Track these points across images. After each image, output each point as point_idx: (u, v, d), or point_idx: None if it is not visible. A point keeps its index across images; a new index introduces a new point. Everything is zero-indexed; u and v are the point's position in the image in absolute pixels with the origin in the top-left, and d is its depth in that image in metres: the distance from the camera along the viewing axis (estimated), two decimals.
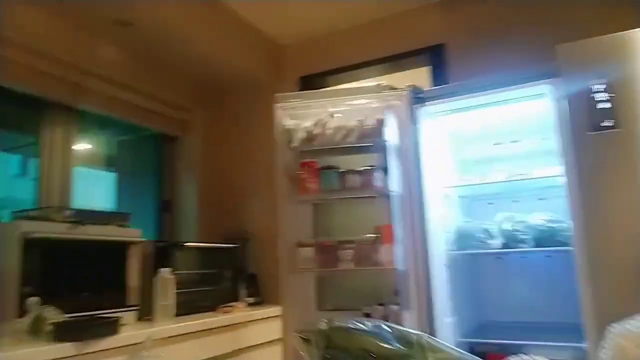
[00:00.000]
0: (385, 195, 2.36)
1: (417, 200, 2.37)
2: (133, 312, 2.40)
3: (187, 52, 3.18)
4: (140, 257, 2.54)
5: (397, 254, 2.29)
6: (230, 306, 2.87)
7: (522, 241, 2.38)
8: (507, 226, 2.44)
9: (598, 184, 1.92)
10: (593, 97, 1.94)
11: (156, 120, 3.49)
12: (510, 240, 2.41)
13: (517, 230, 2.40)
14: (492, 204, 2.82)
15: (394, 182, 2.35)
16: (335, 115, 2.48)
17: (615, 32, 1.93)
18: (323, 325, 0.77)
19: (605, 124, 1.92)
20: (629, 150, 1.87)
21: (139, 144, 3.80)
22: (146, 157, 3.85)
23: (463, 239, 2.53)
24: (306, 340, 0.76)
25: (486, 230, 2.46)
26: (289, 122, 2.53)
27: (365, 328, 0.77)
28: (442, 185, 2.61)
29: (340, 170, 2.48)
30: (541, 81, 2.16)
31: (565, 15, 2.77)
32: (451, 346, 0.78)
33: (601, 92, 1.94)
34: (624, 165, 1.87)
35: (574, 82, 1.99)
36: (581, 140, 1.96)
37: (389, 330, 0.78)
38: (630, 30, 1.90)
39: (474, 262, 2.79)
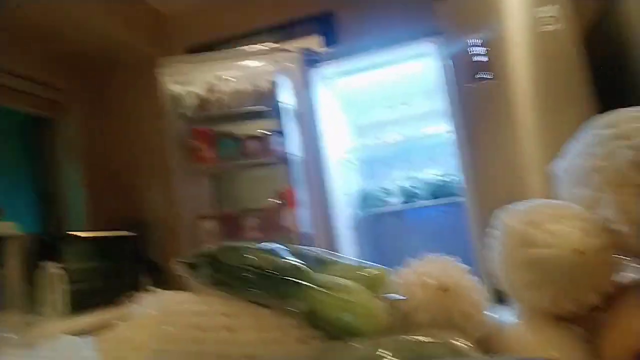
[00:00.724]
0: (286, 159, 2.31)
1: (318, 164, 2.35)
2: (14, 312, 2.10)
3: (57, 22, 2.82)
4: (20, 252, 2.23)
5: (302, 218, 2.26)
6: (131, 296, 2.64)
7: (419, 196, 2.47)
8: (404, 183, 2.53)
9: (480, 135, 2.02)
10: (472, 53, 2.04)
11: (21, 100, 3.07)
12: (408, 196, 2.50)
13: (414, 187, 2.50)
14: (390, 165, 2.90)
15: (294, 146, 2.31)
16: (228, 79, 2.35)
17: None
18: (210, 247, 0.69)
19: (483, 76, 2.03)
20: (505, 100, 2.00)
21: (7, 130, 3.34)
22: (17, 145, 3.39)
23: (365, 200, 2.58)
24: (191, 265, 0.68)
25: (385, 190, 2.53)
26: (176, 88, 2.36)
27: (260, 247, 0.70)
28: (341, 149, 2.63)
29: (238, 137, 2.37)
30: (423, 39, 2.23)
31: None
32: (349, 257, 0.75)
33: (478, 46, 2.04)
34: (502, 115, 2.00)
35: (452, 39, 2.07)
36: (463, 94, 2.06)
37: (285, 248, 0.72)
38: None
39: (377, 222, 2.86)
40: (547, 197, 0.68)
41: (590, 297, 0.52)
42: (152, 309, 0.60)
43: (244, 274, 0.65)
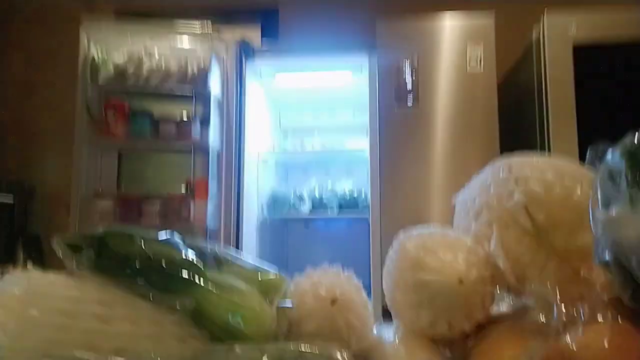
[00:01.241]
0: (203, 148, 2.23)
1: (235, 160, 2.30)
2: None
3: None
4: None
5: (208, 212, 2.19)
6: (4, 272, 2.38)
7: (328, 207, 2.52)
8: (317, 192, 2.56)
9: (395, 156, 2.11)
10: (400, 75, 2.13)
11: None
12: (318, 206, 2.54)
13: (325, 198, 2.54)
14: (306, 172, 2.92)
15: (213, 137, 2.24)
16: (153, 54, 2.23)
17: (428, 13, 2.14)
18: (97, 230, 0.64)
19: (408, 101, 2.12)
20: (424, 127, 2.11)
21: None
22: None
23: (276, 204, 2.57)
24: (74, 248, 0.62)
25: (298, 197, 2.54)
26: (95, 53, 2.19)
27: (152, 236, 0.66)
28: (261, 149, 2.60)
29: (154, 117, 2.25)
30: (360, 52, 2.29)
31: None
32: (249, 259, 0.73)
33: (409, 70, 2.13)
34: (418, 140, 2.10)
35: (386, 57, 2.15)
36: (387, 113, 2.14)
37: (182, 240, 0.69)
38: (438, 12, 2.12)
39: (284, 227, 2.86)
40: (446, 225, 0.72)
41: (464, 324, 0.56)
42: (16, 288, 0.54)
43: (130, 263, 0.61)
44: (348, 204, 2.53)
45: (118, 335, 0.52)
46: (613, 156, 0.47)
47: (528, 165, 0.65)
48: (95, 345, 0.50)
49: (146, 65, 2.18)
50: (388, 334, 0.63)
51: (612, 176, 0.47)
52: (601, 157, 0.49)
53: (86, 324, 0.51)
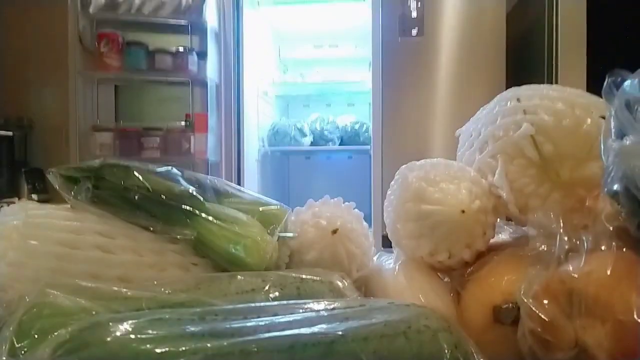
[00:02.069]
0: (201, 81, 2.18)
1: (234, 93, 2.25)
2: None
3: None
4: None
5: (208, 145, 2.17)
6: (9, 203, 2.41)
7: (330, 140, 2.50)
8: (318, 126, 2.53)
9: (399, 89, 2.06)
10: (405, 2, 2.03)
11: None
12: (319, 139, 2.52)
13: (326, 130, 2.51)
14: (307, 106, 2.87)
15: (211, 69, 2.17)
16: None
17: None
18: (94, 162, 0.63)
19: (412, 31, 2.04)
20: (428, 59, 2.04)
21: None
22: None
23: (277, 135, 2.55)
24: (70, 179, 0.61)
25: (299, 129, 2.51)
26: None
27: (151, 168, 0.65)
28: (261, 81, 2.54)
29: (149, 49, 2.17)
30: None
31: None
32: (246, 190, 0.73)
33: (412, 1, 2.03)
34: (422, 73, 2.05)
35: None
36: (390, 45, 2.06)
37: (179, 172, 0.68)
38: None
39: (285, 160, 2.86)
40: (450, 158, 0.71)
41: (464, 253, 0.56)
42: (15, 219, 0.53)
43: (129, 195, 0.60)
44: (350, 136, 2.52)
45: (121, 264, 0.52)
46: (632, 85, 0.45)
47: (537, 95, 0.63)
48: (98, 274, 0.50)
49: None
50: (388, 262, 0.64)
51: (629, 105, 0.44)
52: (618, 85, 0.47)
53: (87, 254, 0.51)
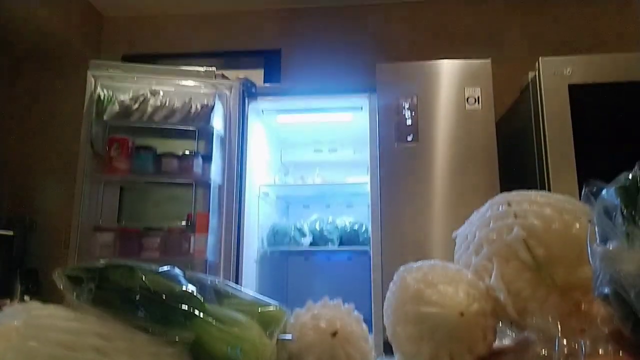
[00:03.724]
0: (205, 183, 2.25)
1: (236, 194, 2.31)
2: None
3: None
4: None
5: (209, 245, 2.18)
6: (1, 305, 2.35)
7: (329, 240, 2.51)
8: (317, 226, 2.56)
9: (396, 191, 2.12)
10: (400, 113, 2.17)
11: None
12: (319, 239, 2.53)
13: (326, 230, 2.54)
14: (307, 207, 2.93)
15: (215, 172, 2.26)
16: (158, 92, 2.28)
17: (426, 60, 2.22)
18: (99, 262, 0.64)
19: (408, 137, 2.16)
20: (425, 161, 2.13)
21: None
22: None
23: (277, 236, 2.56)
24: (75, 279, 0.62)
25: (299, 229, 2.54)
26: (102, 93, 2.24)
27: (153, 269, 0.66)
28: (262, 183, 2.62)
29: (157, 152, 2.28)
30: (360, 94, 2.35)
31: (386, 36, 3.09)
32: (244, 291, 0.73)
33: (406, 109, 2.18)
34: (419, 176, 2.12)
35: (386, 97, 2.20)
36: (387, 150, 2.17)
37: (181, 273, 0.69)
38: (437, 60, 2.20)
39: (285, 260, 2.85)
40: (447, 259, 0.72)
41: (466, 358, 0.55)
42: (16, 320, 0.53)
43: (130, 296, 0.61)
44: (349, 237, 2.53)
45: None
46: (608, 193, 0.48)
47: (527, 200, 0.66)
48: None
49: (151, 103, 2.23)
50: None
51: (607, 212, 0.48)
52: (596, 194, 0.50)
53: (85, 356, 0.50)
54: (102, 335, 0.55)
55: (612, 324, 0.45)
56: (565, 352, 0.45)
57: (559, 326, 0.49)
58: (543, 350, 0.48)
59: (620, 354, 0.42)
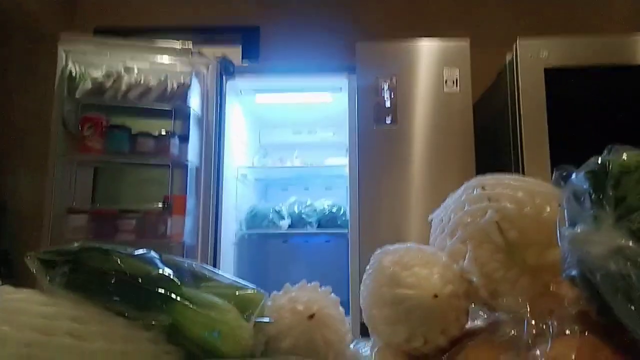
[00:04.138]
0: (182, 164, 2.22)
1: (214, 176, 2.29)
2: None
3: None
4: None
5: (186, 227, 2.16)
6: None
7: (308, 223, 2.52)
8: (296, 209, 2.56)
9: (375, 174, 2.13)
10: (379, 95, 2.17)
11: None
12: (298, 222, 2.54)
13: (304, 213, 2.54)
14: (285, 189, 2.92)
15: (191, 152, 2.23)
16: (132, 69, 2.22)
17: (405, 38, 2.20)
18: (73, 245, 0.63)
19: (387, 120, 2.16)
20: (403, 144, 2.14)
21: None
22: None
23: (255, 219, 2.56)
24: (48, 263, 0.61)
25: (277, 212, 2.54)
26: (74, 69, 2.17)
27: (129, 252, 0.65)
28: (241, 165, 2.60)
29: (132, 132, 2.23)
30: (340, 74, 2.33)
31: (365, 14, 3.06)
32: (222, 274, 0.73)
33: (386, 89, 2.17)
34: (397, 159, 2.14)
35: (365, 78, 2.19)
36: (366, 132, 2.17)
37: (157, 256, 0.68)
38: (416, 39, 2.19)
39: (263, 243, 2.85)
40: (424, 241, 0.73)
41: (439, 339, 0.57)
42: None
43: (105, 279, 0.60)
44: (327, 219, 2.54)
45: (92, 352, 0.51)
46: (577, 177, 0.50)
47: (500, 184, 0.67)
48: None
49: (125, 80, 2.17)
50: (365, 349, 0.64)
51: (576, 196, 0.49)
52: (566, 178, 0.52)
53: (60, 341, 0.50)
54: (77, 318, 0.54)
55: (579, 305, 0.47)
56: (534, 332, 0.46)
57: (529, 307, 0.50)
58: (513, 330, 0.49)
59: (586, 334, 0.44)
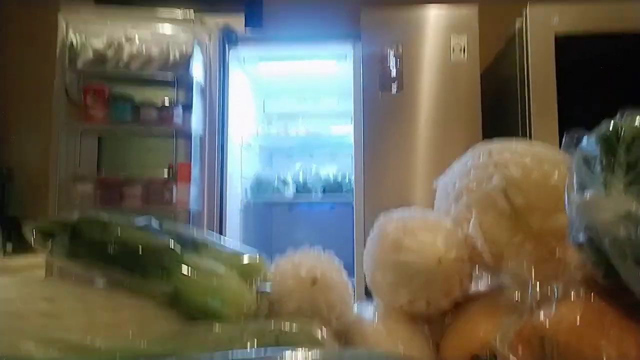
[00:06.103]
0: (185, 133, 2.21)
1: (218, 145, 2.28)
2: None
3: None
4: None
5: (191, 195, 2.17)
6: None
7: (312, 191, 2.52)
8: (301, 177, 2.56)
9: (380, 142, 2.11)
10: (384, 62, 2.13)
11: None
12: (302, 189, 2.54)
13: (309, 181, 2.54)
14: (290, 157, 2.92)
15: (195, 121, 2.21)
16: (134, 39, 2.18)
17: (412, 4, 2.14)
18: (72, 216, 0.62)
19: (392, 88, 2.12)
20: (408, 112, 2.11)
21: None
22: None
23: (260, 186, 2.56)
24: (46, 235, 0.60)
25: (282, 180, 2.54)
26: (75, 38, 2.14)
27: (129, 222, 0.65)
28: (245, 133, 2.59)
29: (135, 102, 2.21)
30: (344, 41, 2.28)
31: None
32: (225, 241, 0.73)
33: (393, 58, 2.13)
34: (402, 126, 2.11)
35: (370, 45, 2.14)
36: (371, 100, 2.14)
37: (161, 224, 0.68)
38: (423, 5, 2.12)
39: (268, 211, 2.86)
40: (428, 209, 0.73)
41: (442, 302, 0.57)
42: None
43: (105, 249, 0.60)
44: (332, 188, 2.54)
45: (71, 328, 0.50)
46: (588, 142, 0.48)
47: (507, 150, 0.66)
48: (49, 341, 0.48)
49: (126, 50, 2.13)
50: (368, 312, 0.64)
51: (587, 161, 0.48)
52: (576, 143, 0.50)
53: (35, 322, 0.49)
54: (50, 298, 0.53)
55: (585, 270, 0.46)
56: (538, 296, 0.46)
57: (533, 272, 0.50)
58: (517, 294, 0.49)
59: (592, 298, 0.43)
